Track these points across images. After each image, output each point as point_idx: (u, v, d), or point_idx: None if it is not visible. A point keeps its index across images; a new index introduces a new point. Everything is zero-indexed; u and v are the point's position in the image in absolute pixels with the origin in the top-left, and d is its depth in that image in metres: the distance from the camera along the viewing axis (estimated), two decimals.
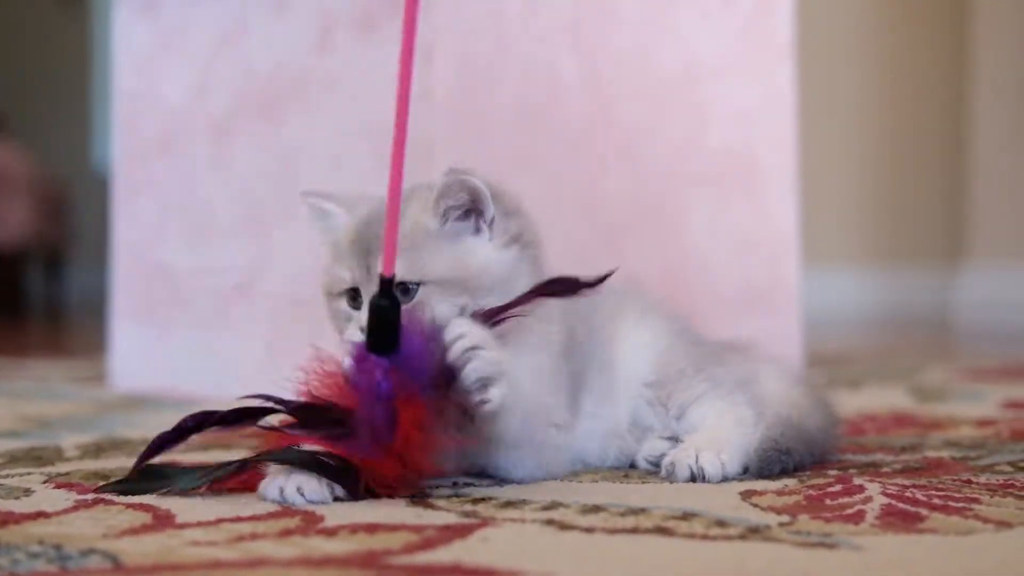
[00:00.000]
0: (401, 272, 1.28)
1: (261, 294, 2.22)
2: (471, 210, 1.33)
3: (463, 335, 1.22)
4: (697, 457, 1.34)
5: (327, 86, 2.13)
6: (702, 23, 2.41)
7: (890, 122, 5.64)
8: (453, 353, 1.21)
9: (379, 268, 1.27)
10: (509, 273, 1.33)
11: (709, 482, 1.33)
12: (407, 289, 1.29)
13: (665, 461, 1.37)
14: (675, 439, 1.44)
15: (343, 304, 1.34)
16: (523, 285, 1.34)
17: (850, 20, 5.70)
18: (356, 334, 1.28)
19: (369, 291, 1.29)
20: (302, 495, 1.21)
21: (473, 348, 1.21)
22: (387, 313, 1.22)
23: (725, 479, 1.34)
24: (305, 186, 2.13)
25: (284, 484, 1.22)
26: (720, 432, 1.40)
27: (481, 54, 2.04)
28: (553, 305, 1.37)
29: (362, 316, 1.28)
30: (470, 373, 1.21)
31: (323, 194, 1.41)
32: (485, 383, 1.22)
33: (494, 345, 1.24)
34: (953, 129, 5.41)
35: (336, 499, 1.22)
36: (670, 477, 1.35)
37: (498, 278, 1.33)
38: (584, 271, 2.09)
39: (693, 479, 1.34)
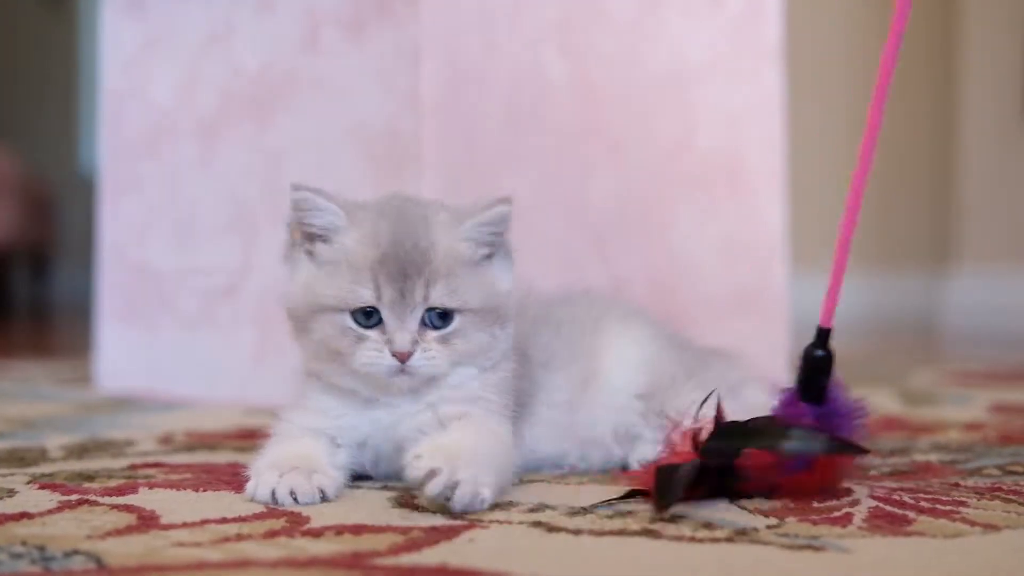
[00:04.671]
0: (440, 299, 1.26)
1: (247, 295, 2.22)
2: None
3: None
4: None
5: (314, 86, 2.13)
6: (690, 25, 2.41)
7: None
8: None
9: (419, 295, 1.25)
10: (516, 297, 1.35)
11: None
12: (445, 315, 1.27)
13: None
14: None
15: (347, 321, 1.27)
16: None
17: (838, 22, 5.71)
18: (377, 355, 1.25)
19: (397, 314, 1.25)
20: (295, 498, 1.21)
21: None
22: (822, 363, 1.29)
23: None
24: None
25: (276, 486, 1.21)
26: None
27: (469, 56, 2.04)
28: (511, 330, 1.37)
29: (398, 337, 1.25)
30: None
31: (319, 191, 1.32)
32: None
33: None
34: (941, 134, 5.43)
35: (323, 500, 1.22)
36: None
37: (515, 304, 1.34)
38: (570, 274, 2.10)
39: None
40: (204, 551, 1.02)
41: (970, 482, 1.35)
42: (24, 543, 1.04)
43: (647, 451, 1.44)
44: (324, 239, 1.30)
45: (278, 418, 1.36)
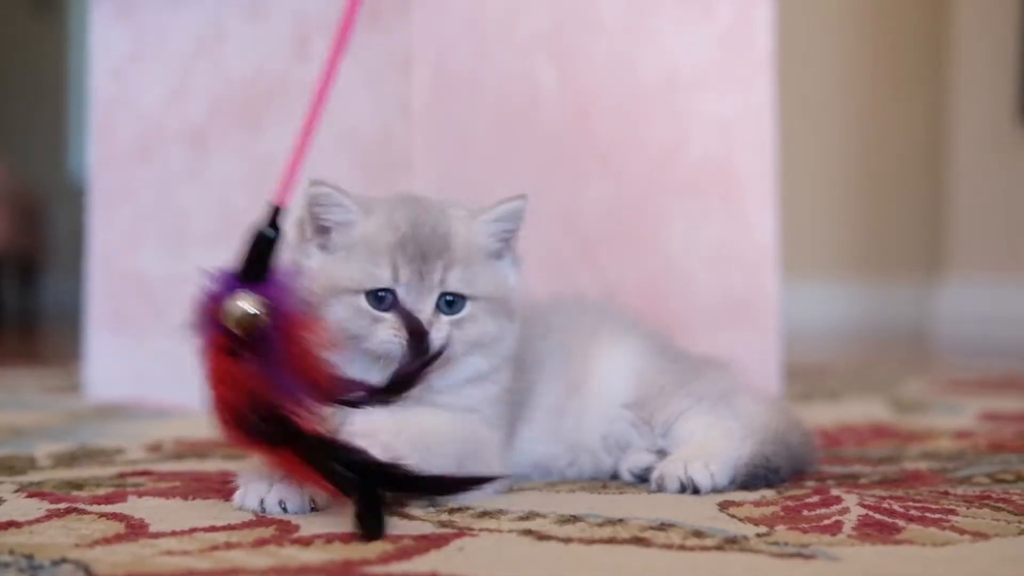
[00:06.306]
0: (456, 284, 1.31)
1: None
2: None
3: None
4: (686, 468, 1.34)
5: (305, 93, 2.12)
6: (682, 33, 2.41)
7: (870, 134, 5.67)
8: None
9: (436, 277, 1.30)
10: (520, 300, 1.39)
11: (699, 493, 1.33)
12: (453, 301, 1.31)
13: (654, 474, 1.37)
14: (660, 452, 1.44)
15: (362, 302, 1.29)
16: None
17: (830, 31, 5.73)
18: (394, 335, 1.27)
19: (414, 295, 1.29)
20: (284, 509, 1.20)
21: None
22: (269, 243, 1.23)
23: (715, 490, 1.34)
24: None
25: (265, 496, 1.21)
26: (709, 444, 1.40)
27: (460, 63, 2.04)
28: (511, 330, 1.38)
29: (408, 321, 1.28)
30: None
31: (337, 187, 1.35)
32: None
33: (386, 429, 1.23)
34: (932, 142, 5.44)
35: (313, 509, 1.21)
36: (660, 489, 1.35)
37: (519, 302, 1.38)
38: (561, 280, 2.10)
39: (683, 490, 1.33)
40: (193, 560, 1.01)
41: (959, 490, 1.36)
42: (12, 552, 1.03)
43: (637, 459, 1.44)
44: (338, 231, 1.34)
45: None
